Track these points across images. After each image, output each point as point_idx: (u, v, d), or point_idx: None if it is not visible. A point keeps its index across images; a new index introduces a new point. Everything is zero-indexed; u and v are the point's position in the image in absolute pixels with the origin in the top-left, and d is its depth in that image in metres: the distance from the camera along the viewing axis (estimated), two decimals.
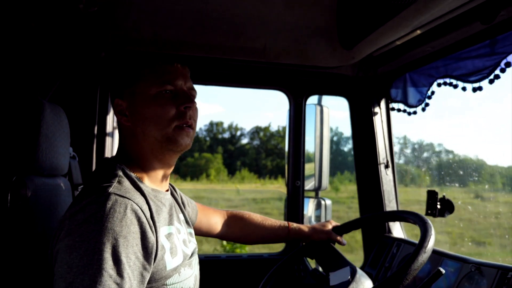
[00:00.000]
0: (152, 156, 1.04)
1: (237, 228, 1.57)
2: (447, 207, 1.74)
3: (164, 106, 1.01)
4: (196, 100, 1.10)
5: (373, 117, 2.09)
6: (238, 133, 33.71)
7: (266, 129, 33.99)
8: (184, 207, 1.33)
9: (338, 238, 1.59)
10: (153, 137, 1.02)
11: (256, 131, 33.77)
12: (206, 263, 1.93)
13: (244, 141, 33.81)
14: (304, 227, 1.61)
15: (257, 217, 1.60)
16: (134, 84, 1.04)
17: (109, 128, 1.78)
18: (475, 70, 1.58)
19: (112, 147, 1.81)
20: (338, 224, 1.64)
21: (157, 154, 1.04)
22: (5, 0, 1.32)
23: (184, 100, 1.03)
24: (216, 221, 1.53)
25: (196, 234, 1.45)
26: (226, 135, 32.93)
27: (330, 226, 1.62)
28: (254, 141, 33.51)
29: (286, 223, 1.61)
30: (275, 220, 1.62)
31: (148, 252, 0.87)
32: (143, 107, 1.01)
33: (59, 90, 1.51)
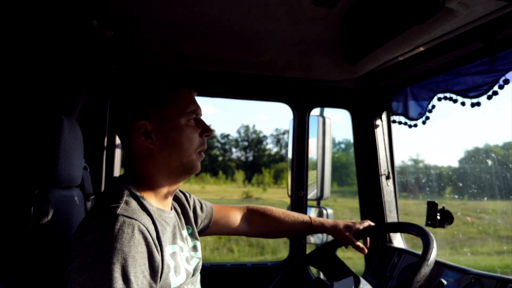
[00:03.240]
0: (167, 178, 1.08)
1: (260, 225, 1.55)
2: (447, 218, 1.78)
3: (192, 134, 1.08)
4: None
5: (375, 130, 2.14)
6: None
7: None
8: (197, 215, 1.36)
9: (357, 243, 1.49)
10: (178, 162, 1.07)
11: None
12: (211, 272, 1.96)
13: None
14: (326, 223, 1.55)
15: (278, 212, 1.57)
16: (160, 107, 1.06)
17: (118, 140, 1.82)
18: (475, 86, 1.63)
19: (121, 157, 1.85)
20: (372, 224, 1.54)
21: (172, 177, 1.09)
22: (19, 14, 1.36)
23: (206, 129, 1.12)
24: (235, 219, 1.52)
25: (217, 234, 1.49)
26: None
27: (354, 228, 1.53)
28: None
29: (308, 218, 1.57)
30: (297, 214, 1.58)
31: (154, 271, 0.90)
32: (175, 134, 1.06)
33: (71, 102, 1.55)
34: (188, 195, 1.38)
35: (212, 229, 1.46)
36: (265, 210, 1.57)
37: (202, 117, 1.15)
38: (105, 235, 0.85)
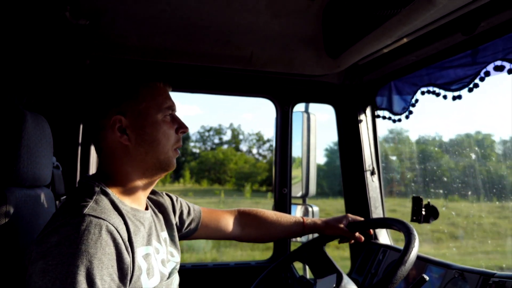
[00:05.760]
0: (142, 175, 1.05)
1: (252, 228, 1.51)
2: (432, 213, 1.77)
3: (169, 131, 1.06)
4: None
5: (359, 125, 2.12)
6: None
7: None
8: (183, 219, 1.33)
9: (354, 235, 1.51)
10: (155, 159, 1.04)
11: None
12: (193, 272, 1.91)
13: None
14: (319, 221, 1.54)
15: (271, 214, 1.53)
16: (136, 102, 1.02)
17: None
18: (457, 79, 1.62)
19: (97, 156, 1.79)
20: (358, 219, 1.55)
21: (148, 175, 1.05)
22: None
23: (182, 125, 1.10)
24: (226, 223, 1.47)
25: (207, 238, 1.45)
26: None
27: (344, 221, 1.54)
28: None
29: (300, 218, 1.55)
30: (289, 216, 1.55)
31: (123, 273, 0.86)
32: (152, 130, 1.03)
33: (42, 98, 1.49)
34: (175, 198, 1.33)
35: (201, 232, 1.41)
36: (257, 213, 1.53)
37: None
38: (69, 236, 0.80)
